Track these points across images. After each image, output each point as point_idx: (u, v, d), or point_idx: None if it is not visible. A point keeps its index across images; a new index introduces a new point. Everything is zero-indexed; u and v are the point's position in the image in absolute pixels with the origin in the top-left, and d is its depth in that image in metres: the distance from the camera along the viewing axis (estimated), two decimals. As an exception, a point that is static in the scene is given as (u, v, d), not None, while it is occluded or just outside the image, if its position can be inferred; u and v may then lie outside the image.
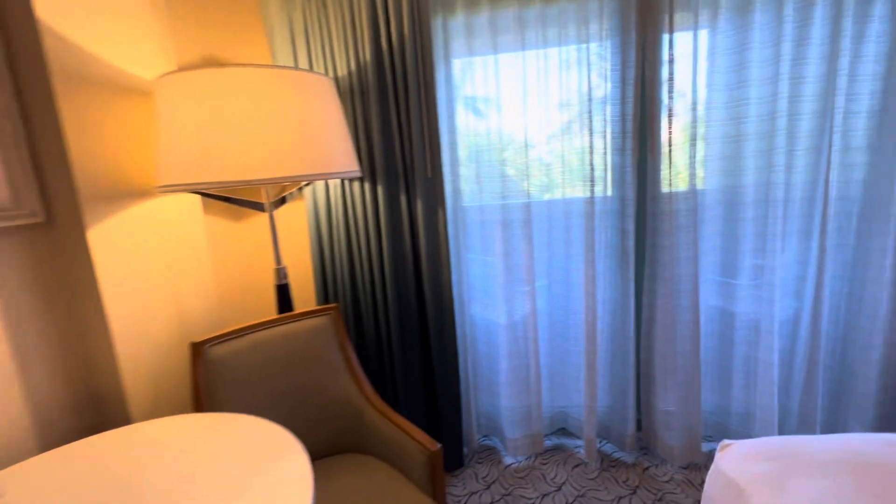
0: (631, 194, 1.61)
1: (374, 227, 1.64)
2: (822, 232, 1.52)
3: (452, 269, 1.75)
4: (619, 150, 1.61)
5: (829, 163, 1.48)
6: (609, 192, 1.66)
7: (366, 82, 1.57)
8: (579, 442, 1.91)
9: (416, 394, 1.76)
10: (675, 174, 1.56)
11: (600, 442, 1.91)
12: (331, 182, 1.66)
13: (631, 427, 1.78)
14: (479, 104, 1.70)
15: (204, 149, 1.12)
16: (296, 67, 1.28)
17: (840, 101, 1.45)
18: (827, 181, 1.49)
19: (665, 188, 1.57)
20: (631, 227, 1.64)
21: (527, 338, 1.78)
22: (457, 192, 1.73)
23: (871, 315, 1.55)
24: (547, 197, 1.75)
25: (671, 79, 1.51)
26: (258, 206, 1.52)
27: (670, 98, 1.52)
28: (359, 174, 1.46)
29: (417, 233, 1.66)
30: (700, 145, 1.56)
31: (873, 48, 1.43)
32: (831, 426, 1.71)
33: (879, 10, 1.41)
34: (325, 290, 1.76)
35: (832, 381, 1.68)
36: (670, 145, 1.54)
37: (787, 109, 1.47)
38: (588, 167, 1.61)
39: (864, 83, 1.46)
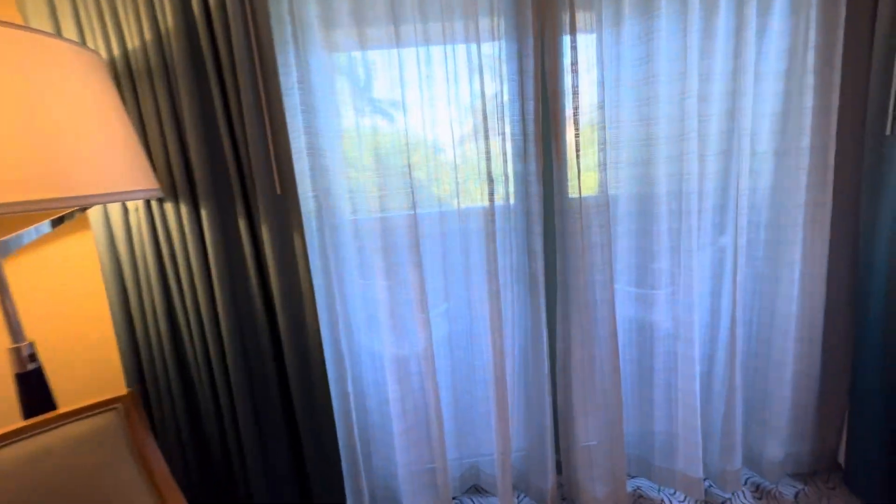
0: (537, 207, 1.34)
1: (200, 264, 1.17)
2: (735, 247, 1.38)
3: (328, 304, 1.34)
4: (521, 156, 1.33)
5: (739, 169, 1.34)
6: (513, 205, 1.37)
7: (171, 62, 1.09)
8: (494, 500, 1.61)
9: (282, 480, 1.32)
10: (583, 184, 1.32)
11: (518, 496, 1.63)
12: (130, 204, 1.16)
13: (551, 476, 1.52)
14: (365, 104, 1.31)
15: None
16: (29, 28, 0.78)
17: (746, 102, 1.31)
18: (738, 189, 1.35)
19: (573, 195, 1.32)
20: (539, 246, 1.37)
21: (423, 387, 1.44)
22: (329, 208, 1.32)
23: (782, 331, 1.46)
24: (443, 209, 1.42)
25: (575, 70, 1.25)
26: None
27: (575, 96, 1.27)
28: (155, 193, 0.99)
29: (266, 267, 1.22)
30: (608, 150, 1.33)
31: (775, 44, 1.32)
32: (751, 448, 1.62)
33: (780, 4, 1.29)
34: (138, 362, 1.24)
35: (750, 402, 1.58)
36: (578, 150, 1.29)
37: (697, 110, 1.29)
38: (486, 177, 1.30)
39: (768, 82, 1.34)
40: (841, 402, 1.56)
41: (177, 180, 1.13)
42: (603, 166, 1.30)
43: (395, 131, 1.28)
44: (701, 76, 1.28)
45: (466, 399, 1.57)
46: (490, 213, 1.31)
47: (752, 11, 1.24)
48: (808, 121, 1.32)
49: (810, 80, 1.29)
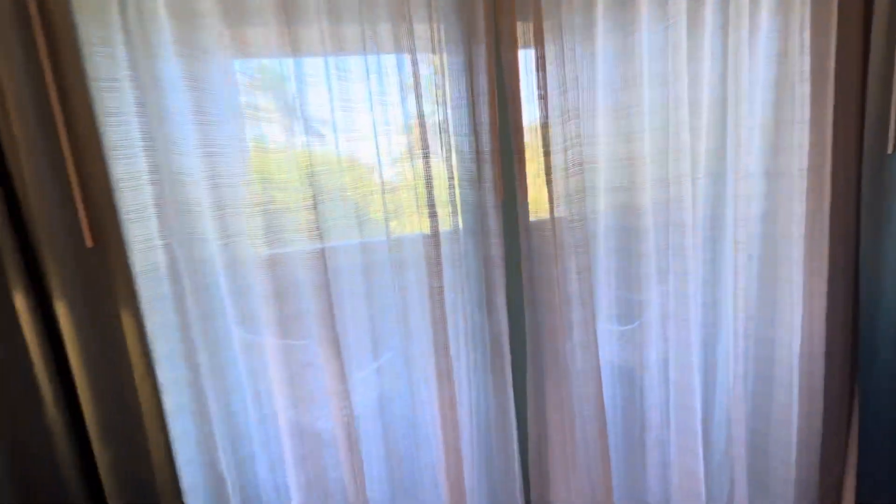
0: (497, 250, 0.99)
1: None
2: (736, 290, 1.13)
3: (196, 411, 0.87)
4: (474, 182, 0.98)
5: (736, 193, 1.10)
6: (464, 251, 1.01)
7: None
8: None
9: None
10: (556, 217, 0.99)
11: None
12: None
13: None
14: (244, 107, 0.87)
15: None
16: None
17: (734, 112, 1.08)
18: (735, 218, 1.11)
19: (543, 234, 0.99)
20: (501, 299, 1.02)
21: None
22: (191, 259, 0.86)
23: (785, 383, 1.23)
24: (367, 239, 1.01)
25: (542, 78, 0.94)
26: None
27: (542, 107, 0.95)
28: None
29: (69, 378, 0.74)
30: (582, 171, 1.03)
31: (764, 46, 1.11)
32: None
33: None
34: None
35: (752, 467, 1.32)
36: (549, 174, 0.97)
37: (689, 122, 1.03)
38: (427, 211, 0.93)
39: (756, 90, 1.13)
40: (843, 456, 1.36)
41: None
42: (580, 196, 0.99)
43: (295, 147, 0.87)
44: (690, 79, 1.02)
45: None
46: (433, 236, 0.93)
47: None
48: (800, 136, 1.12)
49: (804, 88, 1.09)
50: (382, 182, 0.95)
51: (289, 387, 0.93)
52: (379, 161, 0.93)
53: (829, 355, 1.24)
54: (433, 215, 0.92)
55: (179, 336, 0.86)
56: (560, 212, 1.00)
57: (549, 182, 0.98)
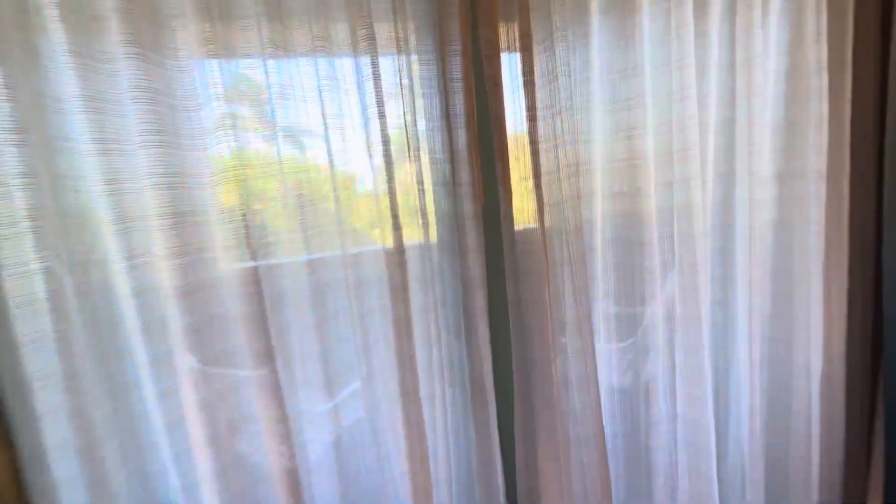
0: (477, 267, 0.82)
1: None
2: (751, 310, 0.98)
3: None
4: (447, 187, 0.81)
5: (750, 199, 0.96)
6: (437, 269, 0.83)
7: None
8: None
9: None
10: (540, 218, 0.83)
11: None
12: None
13: None
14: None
15: None
16: None
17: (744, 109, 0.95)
18: (751, 227, 0.97)
19: (532, 248, 0.83)
20: (483, 327, 0.85)
21: None
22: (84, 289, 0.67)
23: (804, 418, 1.08)
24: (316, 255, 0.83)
25: (528, 61, 0.78)
26: None
27: (529, 95, 0.80)
28: None
29: None
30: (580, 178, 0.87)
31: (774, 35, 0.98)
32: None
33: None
34: None
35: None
36: (537, 176, 0.81)
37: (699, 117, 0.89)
38: (391, 222, 0.75)
39: (767, 85, 1.00)
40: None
41: None
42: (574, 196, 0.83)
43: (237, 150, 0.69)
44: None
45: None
46: (396, 253, 0.75)
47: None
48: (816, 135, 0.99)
49: (821, 80, 0.96)
50: (335, 187, 0.77)
51: (214, 448, 0.73)
52: (330, 161, 0.76)
53: (849, 378, 1.10)
54: (397, 227, 0.74)
55: (66, 387, 0.66)
56: (551, 221, 0.84)
57: (537, 186, 0.82)
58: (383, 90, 0.72)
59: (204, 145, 0.68)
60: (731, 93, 0.94)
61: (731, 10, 0.91)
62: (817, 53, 0.94)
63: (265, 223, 0.76)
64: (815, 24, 0.94)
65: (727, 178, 0.99)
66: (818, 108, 0.97)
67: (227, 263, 0.70)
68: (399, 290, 0.76)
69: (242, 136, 0.69)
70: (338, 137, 0.75)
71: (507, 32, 0.78)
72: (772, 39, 0.95)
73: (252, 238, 0.70)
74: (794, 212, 1.03)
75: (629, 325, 0.98)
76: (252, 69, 0.72)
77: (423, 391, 0.85)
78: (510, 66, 0.80)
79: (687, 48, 0.85)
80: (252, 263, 0.70)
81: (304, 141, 0.74)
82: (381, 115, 0.71)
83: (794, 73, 0.98)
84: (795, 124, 1.00)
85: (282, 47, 0.71)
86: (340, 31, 0.72)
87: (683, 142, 0.88)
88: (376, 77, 0.71)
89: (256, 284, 0.71)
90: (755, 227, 0.97)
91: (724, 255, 1.02)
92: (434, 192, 0.83)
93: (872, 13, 0.98)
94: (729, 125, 0.96)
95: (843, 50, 0.97)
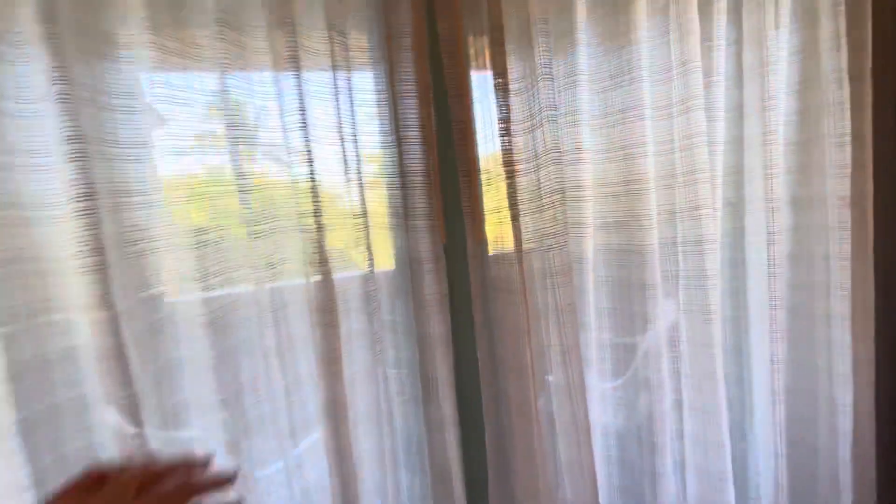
0: (439, 322, 0.63)
1: None
2: (773, 363, 0.82)
3: None
4: (399, 218, 0.63)
5: (769, 229, 0.81)
6: (388, 323, 0.64)
7: None
8: None
9: None
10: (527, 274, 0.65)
11: None
12: None
13: None
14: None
15: None
16: None
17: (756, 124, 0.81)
18: (771, 262, 0.81)
19: (509, 295, 0.65)
20: (448, 397, 0.66)
21: None
22: None
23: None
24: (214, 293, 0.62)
25: (500, 61, 0.62)
26: None
27: (502, 103, 0.63)
28: None
29: None
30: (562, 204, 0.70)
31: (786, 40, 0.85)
32: None
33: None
34: None
35: None
36: (513, 204, 0.63)
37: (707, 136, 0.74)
38: (318, 267, 0.56)
39: (778, 98, 0.86)
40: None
41: None
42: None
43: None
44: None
45: None
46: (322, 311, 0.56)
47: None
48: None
49: (842, 92, 0.83)
50: (249, 219, 0.57)
51: None
52: (239, 183, 0.56)
53: (880, 441, 0.94)
54: (325, 272, 0.55)
55: None
56: (532, 260, 0.66)
57: (514, 217, 0.64)
58: (308, 94, 0.54)
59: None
60: (738, 107, 0.80)
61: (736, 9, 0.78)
62: (838, 62, 0.81)
63: (157, 262, 0.56)
64: (833, 27, 0.81)
65: (736, 206, 0.84)
66: (840, 124, 0.83)
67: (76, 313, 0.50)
68: (328, 365, 0.56)
69: (129, 153, 0.49)
70: (244, 150, 0.56)
71: (473, 24, 0.62)
72: (783, 47, 0.82)
73: (106, 285, 0.50)
74: (812, 243, 0.89)
75: (627, 403, 0.80)
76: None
77: (371, 482, 0.64)
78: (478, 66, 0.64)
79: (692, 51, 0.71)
80: (106, 312, 0.49)
81: (199, 157, 0.55)
82: (302, 123, 0.53)
83: (806, 86, 0.84)
84: (811, 142, 0.86)
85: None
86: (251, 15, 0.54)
87: (690, 162, 0.72)
88: (297, 78, 0.53)
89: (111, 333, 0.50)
90: (775, 263, 0.82)
91: (737, 296, 0.86)
92: (385, 225, 0.65)
93: (892, 19, 0.86)
94: (737, 144, 0.81)
95: (863, 58, 0.84)
